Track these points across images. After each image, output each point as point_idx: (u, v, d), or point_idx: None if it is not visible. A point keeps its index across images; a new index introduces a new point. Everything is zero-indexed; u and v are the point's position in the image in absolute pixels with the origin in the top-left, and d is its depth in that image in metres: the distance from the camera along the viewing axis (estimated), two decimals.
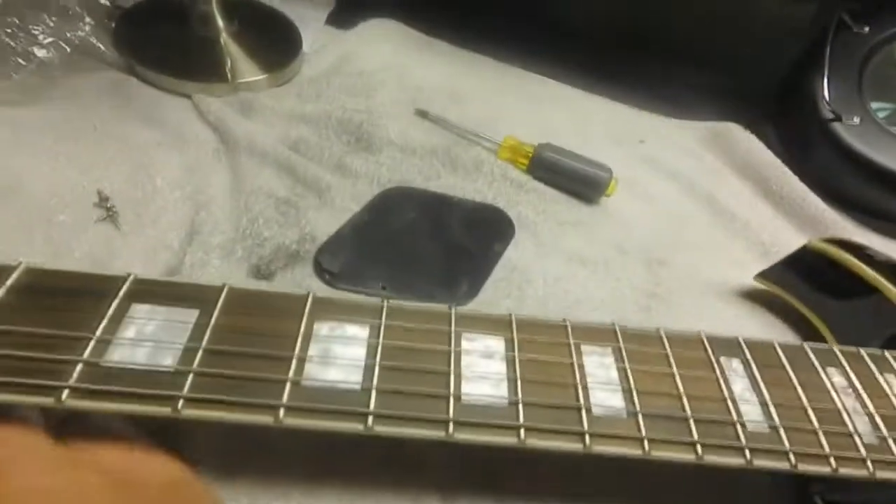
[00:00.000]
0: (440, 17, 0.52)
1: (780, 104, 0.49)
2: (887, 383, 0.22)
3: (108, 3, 0.39)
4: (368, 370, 0.18)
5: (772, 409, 0.20)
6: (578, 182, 0.39)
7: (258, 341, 0.18)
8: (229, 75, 0.41)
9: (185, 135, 0.37)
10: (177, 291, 0.19)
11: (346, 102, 0.42)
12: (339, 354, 0.19)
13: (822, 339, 0.32)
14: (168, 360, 0.17)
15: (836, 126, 0.44)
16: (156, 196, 0.33)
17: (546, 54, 0.52)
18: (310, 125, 0.40)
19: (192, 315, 0.18)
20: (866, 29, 0.45)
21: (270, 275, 0.30)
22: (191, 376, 0.17)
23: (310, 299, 0.20)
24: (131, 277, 0.19)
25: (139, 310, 0.18)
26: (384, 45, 0.49)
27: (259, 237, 0.31)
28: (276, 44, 0.45)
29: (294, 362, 0.18)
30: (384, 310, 0.20)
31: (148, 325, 0.18)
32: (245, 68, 0.42)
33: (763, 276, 0.35)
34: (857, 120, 0.44)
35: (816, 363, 0.22)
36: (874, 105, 0.45)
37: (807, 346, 0.23)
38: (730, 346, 0.22)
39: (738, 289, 0.36)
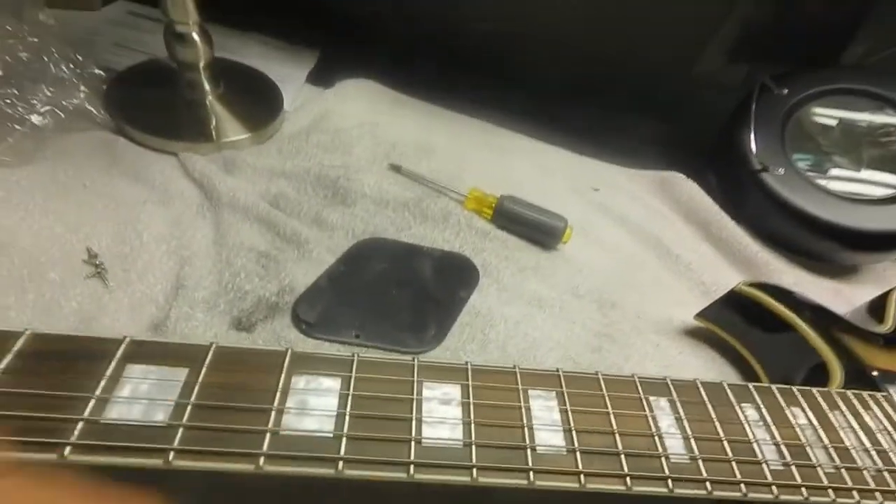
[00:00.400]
0: (412, 76, 0.57)
1: (718, 156, 0.55)
2: (793, 415, 0.26)
3: (102, 73, 0.42)
4: (340, 419, 0.21)
5: (693, 442, 0.23)
6: (537, 231, 0.43)
7: (241, 396, 0.21)
8: (214, 135, 0.44)
9: (170, 192, 0.39)
10: (168, 351, 0.21)
11: (324, 158, 0.45)
12: (314, 405, 0.21)
13: (756, 373, 0.36)
14: (160, 416, 0.19)
15: (765, 176, 0.49)
16: (142, 252, 0.35)
17: (510, 108, 0.58)
18: (290, 181, 0.43)
19: (181, 374, 0.21)
20: (785, 91, 0.52)
21: (251, 326, 0.32)
22: (181, 430, 0.19)
23: (288, 355, 0.22)
24: (127, 340, 0.21)
25: (134, 370, 0.20)
26: (360, 102, 0.53)
27: (241, 290, 0.34)
28: (259, 103, 0.48)
29: (273, 414, 0.20)
30: (354, 363, 0.23)
31: (142, 383, 0.20)
32: (230, 128, 0.45)
33: (702, 315, 0.39)
34: (781, 171, 0.49)
35: (733, 399, 0.26)
36: (795, 156, 0.51)
37: (725, 384, 0.26)
38: (659, 387, 0.25)
39: (682, 327, 0.40)
